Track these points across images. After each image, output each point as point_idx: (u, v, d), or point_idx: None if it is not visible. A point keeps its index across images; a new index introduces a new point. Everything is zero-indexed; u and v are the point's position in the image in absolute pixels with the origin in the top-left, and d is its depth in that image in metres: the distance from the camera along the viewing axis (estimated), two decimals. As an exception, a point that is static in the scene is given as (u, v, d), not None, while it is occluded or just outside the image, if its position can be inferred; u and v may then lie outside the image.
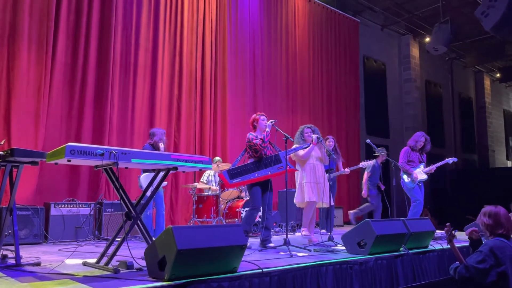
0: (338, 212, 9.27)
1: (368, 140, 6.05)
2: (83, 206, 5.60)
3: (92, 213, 5.62)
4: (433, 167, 6.02)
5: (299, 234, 5.58)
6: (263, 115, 5.05)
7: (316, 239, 5.27)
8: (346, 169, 6.28)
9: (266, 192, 4.92)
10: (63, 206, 5.43)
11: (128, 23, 7.02)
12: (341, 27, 11.17)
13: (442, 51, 9.31)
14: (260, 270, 3.14)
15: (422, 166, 6.02)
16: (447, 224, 3.19)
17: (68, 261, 3.66)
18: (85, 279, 2.84)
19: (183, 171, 4.83)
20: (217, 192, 6.52)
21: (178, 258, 2.71)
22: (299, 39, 9.98)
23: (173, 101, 7.54)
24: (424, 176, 5.95)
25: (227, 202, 6.65)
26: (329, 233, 5.19)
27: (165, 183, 5.34)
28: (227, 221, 6.37)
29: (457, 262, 3.09)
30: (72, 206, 5.50)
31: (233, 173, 4.69)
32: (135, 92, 6.99)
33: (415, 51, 13.92)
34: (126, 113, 6.84)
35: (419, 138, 6.08)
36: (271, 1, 9.45)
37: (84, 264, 3.44)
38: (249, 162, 4.88)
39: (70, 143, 2.99)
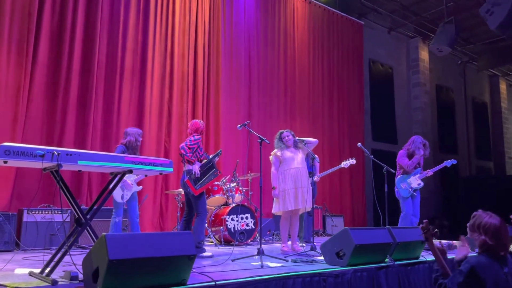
0: (338, 220, 8.89)
1: (359, 143, 5.71)
2: (59, 212, 5.38)
3: (68, 219, 5.41)
4: (429, 172, 5.63)
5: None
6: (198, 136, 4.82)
7: (299, 249, 4.95)
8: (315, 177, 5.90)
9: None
10: (37, 212, 5.21)
11: (115, 25, 6.84)
12: (343, 30, 10.82)
13: (447, 52, 8.87)
14: (213, 283, 2.85)
15: (418, 174, 5.65)
16: (424, 220, 2.75)
17: (18, 271, 3.43)
18: (14, 291, 2.60)
19: (145, 175, 4.57)
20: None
21: (111, 269, 2.44)
22: (298, 41, 9.68)
23: (163, 104, 7.32)
24: (420, 183, 5.57)
25: (215, 208, 6.35)
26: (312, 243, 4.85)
27: (139, 187, 5.06)
28: (212, 229, 6.07)
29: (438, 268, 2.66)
30: (46, 212, 5.28)
31: (196, 179, 4.45)
32: (121, 95, 6.78)
33: (424, 54, 13.44)
34: (111, 117, 6.63)
35: (419, 145, 5.65)
36: (268, 2, 9.18)
37: (30, 274, 3.20)
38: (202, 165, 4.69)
39: (5, 143, 2.78)
